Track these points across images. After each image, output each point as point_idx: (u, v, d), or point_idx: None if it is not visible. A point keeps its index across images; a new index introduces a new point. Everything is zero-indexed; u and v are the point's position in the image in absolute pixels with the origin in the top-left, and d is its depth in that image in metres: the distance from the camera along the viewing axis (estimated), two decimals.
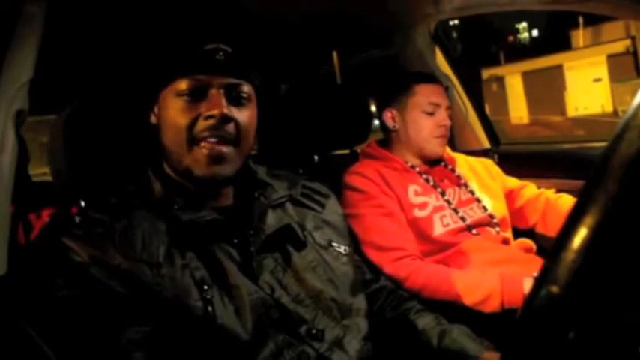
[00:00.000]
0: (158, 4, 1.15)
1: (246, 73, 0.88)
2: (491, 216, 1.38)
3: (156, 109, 0.90)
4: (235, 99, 0.86)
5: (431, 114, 1.38)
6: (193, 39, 0.86)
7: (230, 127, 0.84)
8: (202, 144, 0.83)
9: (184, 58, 0.85)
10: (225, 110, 0.83)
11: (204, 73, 0.84)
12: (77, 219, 0.83)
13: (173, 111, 0.84)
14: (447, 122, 1.39)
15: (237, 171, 0.88)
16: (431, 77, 1.47)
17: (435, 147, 1.40)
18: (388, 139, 1.47)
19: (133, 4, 1.13)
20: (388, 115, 1.43)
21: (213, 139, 0.83)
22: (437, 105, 1.38)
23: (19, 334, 0.78)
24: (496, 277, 1.14)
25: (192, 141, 0.83)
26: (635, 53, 16.13)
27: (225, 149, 0.84)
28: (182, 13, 1.18)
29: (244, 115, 0.87)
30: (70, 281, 0.75)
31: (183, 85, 0.84)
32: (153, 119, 0.91)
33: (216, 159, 0.83)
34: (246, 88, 0.88)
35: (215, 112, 0.82)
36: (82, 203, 1.01)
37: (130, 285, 0.75)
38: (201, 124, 0.83)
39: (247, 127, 0.87)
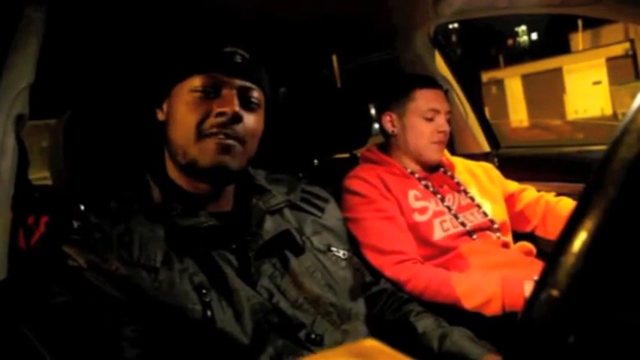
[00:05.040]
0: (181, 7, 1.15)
1: (259, 80, 0.90)
2: (491, 221, 1.38)
3: (164, 106, 0.90)
4: (246, 102, 0.88)
5: (430, 119, 1.38)
6: (214, 40, 0.88)
7: (239, 127, 0.85)
8: (211, 138, 0.84)
9: (204, 56, 0.87)
10: (237, 109, 0.84)
11: (221, 72, 0.85)
12: (75, 224, 0.83)
13: (185, 106, 0.85)
14: (446, 128, 1.39)
15: (240, 170, 0.88)
16: (431, 82, 1.45)
17: (433, 153, 1.40)
18: (387, 144, 1.47)
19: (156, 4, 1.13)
20: (387, 119, 1.43)
21: (221, 136, 0.84)
22: (436, 111, 1.38)
23: (18, 339, 0.78)
24: (497, 280, 1.14)
25: (201, 135, 0.84)
26: (634, 56, 16.15)
27: (233, 142, 0.85)
28: (203, 15, 1.20)
29: (252, 119, 0.88)
30: (67, 287, 0.75)
31: (197, 81, 0.85)
32: (160, 115, 0.92)
33: (225, 148, 0.84)
34: (257, 94, 0.90)
35: (227, 109, 0.83)
36: (82, 207, 1.01)
37: (127, 290, 0.75)
38: (212, 121, 0.84)
39: (254, 130, 0.89)
